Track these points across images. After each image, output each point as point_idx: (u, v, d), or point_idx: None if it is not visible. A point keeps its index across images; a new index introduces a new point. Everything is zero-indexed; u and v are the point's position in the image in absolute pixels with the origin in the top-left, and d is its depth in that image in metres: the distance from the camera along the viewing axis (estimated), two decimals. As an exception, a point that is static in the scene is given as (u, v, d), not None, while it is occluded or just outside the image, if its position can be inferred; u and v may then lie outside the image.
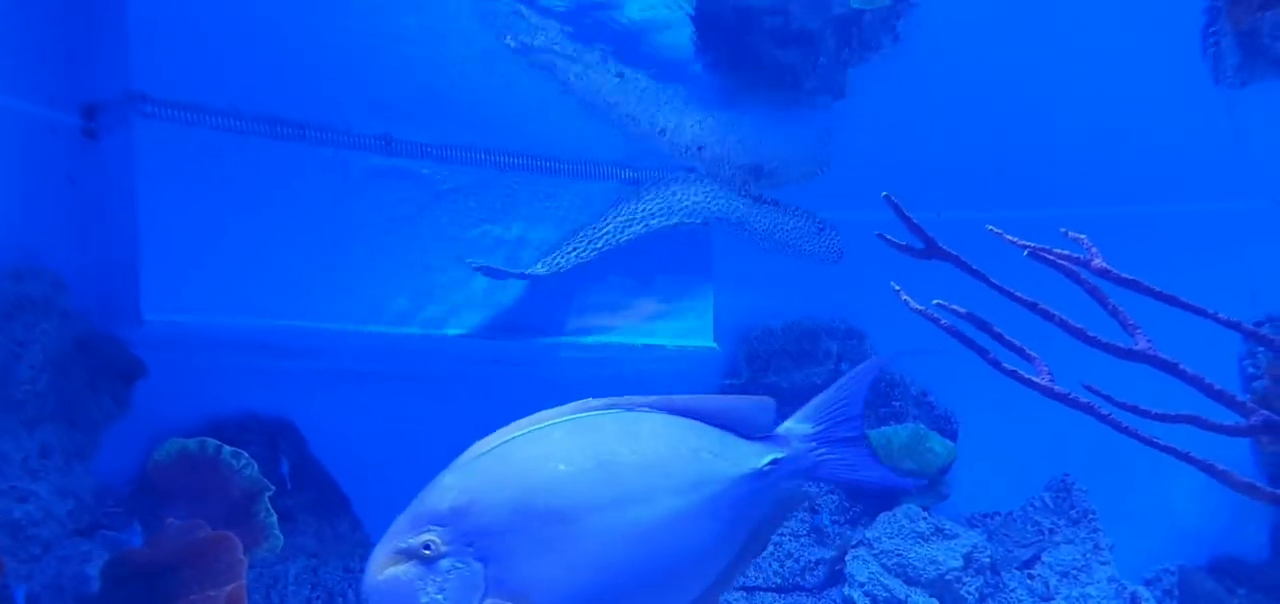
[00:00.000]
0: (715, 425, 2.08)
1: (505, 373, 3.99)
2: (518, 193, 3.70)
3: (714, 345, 3.95)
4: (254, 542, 3.02)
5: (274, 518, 3.16)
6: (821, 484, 2.73)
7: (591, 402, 1.96)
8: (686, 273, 3.94)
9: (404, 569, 1.78)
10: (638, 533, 1.86)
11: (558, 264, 3.58)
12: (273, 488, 3.17)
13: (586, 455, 1.85)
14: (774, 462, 2.09)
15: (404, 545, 1.79)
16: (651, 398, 2.03)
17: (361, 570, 3.56)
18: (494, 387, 3.98)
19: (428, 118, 3.46)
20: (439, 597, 1.77)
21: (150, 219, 2.95)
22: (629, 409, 1.98)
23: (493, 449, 1.83)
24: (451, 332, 3.47)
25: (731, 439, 2.08)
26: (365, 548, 3.69)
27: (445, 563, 1.78)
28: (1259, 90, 4.36)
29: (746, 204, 4.08)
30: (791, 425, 2.18)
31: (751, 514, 2.05)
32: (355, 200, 3.30)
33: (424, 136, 3.43)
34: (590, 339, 3.75)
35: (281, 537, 3.15)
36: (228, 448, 3.09)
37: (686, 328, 3.91)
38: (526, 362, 3.89)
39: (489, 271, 3.38)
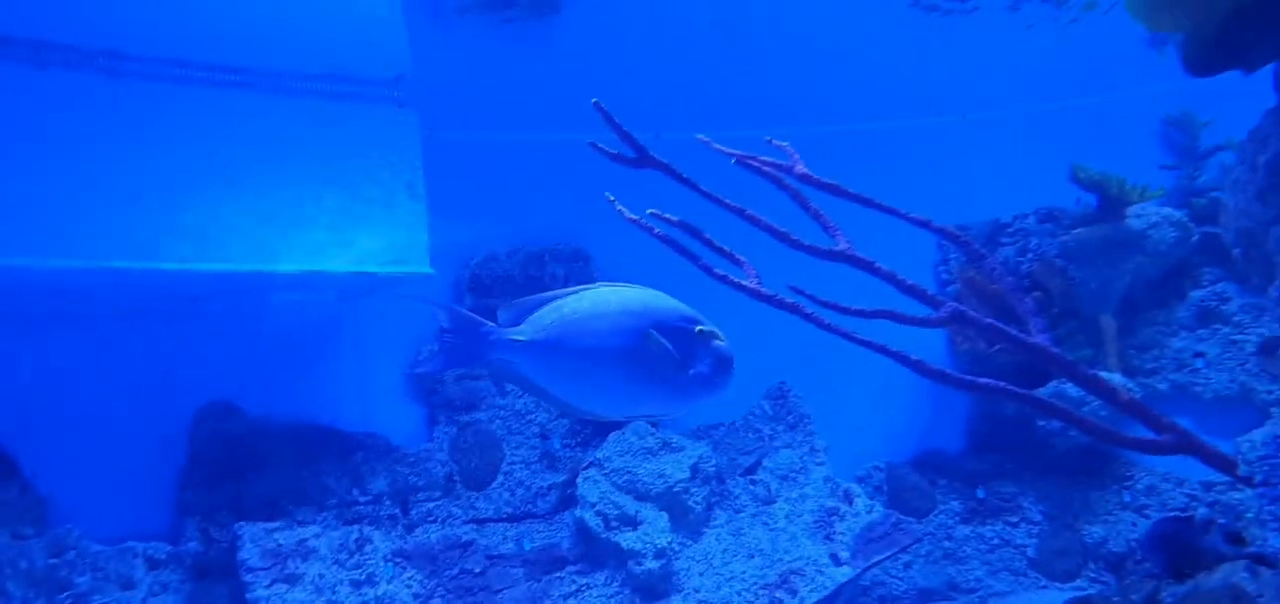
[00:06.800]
0: None
1: (202, 310, 3.69)
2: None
3: (430, 271, 3.78)
4: (-106, 513, 2.63)
5: (-80, 484, 2.77)
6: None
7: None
8: (397, 199, 3.73)
9: None
10: None
11: None
12: (-83, 450, 2.77)
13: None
14: None
15: None
16: None
17: (34, 536, 3.23)
18: (190, 325, 3.67)
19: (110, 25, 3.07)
20: None
21: None
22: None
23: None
24: (140, 265, 3.10)
25: None
26: (38, 510, 3.32)
27: None
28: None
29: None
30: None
31: None
32: (13, 114, 2.88)
33: (99, 42, 3.04)
34: (294, 269, 3.48)
35: (-69, 505, 2.77)
36: None
37: (399, 254, 3.71)
38: (225, 296, 3.60)
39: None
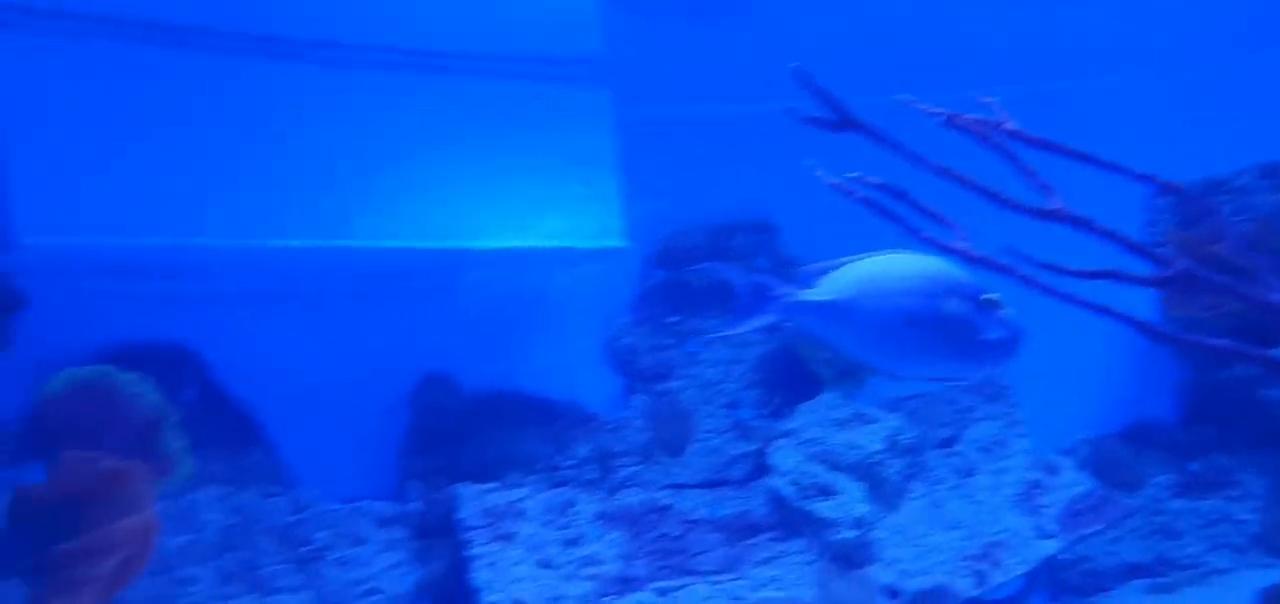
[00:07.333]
0: None
1: (417, 286, 3.89)
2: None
3: (625, 245, 3.88)
4: (162, 471, 2.91)
5: (181, 445, 3.05)
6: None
7: None
8: (592, 175, 3.84)
9: None
10: None
11: None
12: (177, 415, 3.05)
13: None
14: None
15: None
16: None
17: (279, 495, 3.50)
18: (407, 301, 3.88)
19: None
20: None
21: (18, 135, 2.73)
22: None
23: None
24: (352, 244, 3.31)
25: None
26: (281, 472, 3.59)
27: None
28: None
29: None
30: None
31: None
32: (246, 106, 3.12)
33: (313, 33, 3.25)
34: (497, 245, 3.63)
35: (191, 464, 3.05)
36: (125, 374, 2.95)
37: (597, 229, 3.83)
38: (439, 272, 3.78)
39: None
